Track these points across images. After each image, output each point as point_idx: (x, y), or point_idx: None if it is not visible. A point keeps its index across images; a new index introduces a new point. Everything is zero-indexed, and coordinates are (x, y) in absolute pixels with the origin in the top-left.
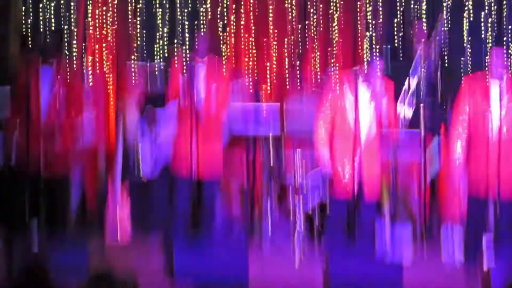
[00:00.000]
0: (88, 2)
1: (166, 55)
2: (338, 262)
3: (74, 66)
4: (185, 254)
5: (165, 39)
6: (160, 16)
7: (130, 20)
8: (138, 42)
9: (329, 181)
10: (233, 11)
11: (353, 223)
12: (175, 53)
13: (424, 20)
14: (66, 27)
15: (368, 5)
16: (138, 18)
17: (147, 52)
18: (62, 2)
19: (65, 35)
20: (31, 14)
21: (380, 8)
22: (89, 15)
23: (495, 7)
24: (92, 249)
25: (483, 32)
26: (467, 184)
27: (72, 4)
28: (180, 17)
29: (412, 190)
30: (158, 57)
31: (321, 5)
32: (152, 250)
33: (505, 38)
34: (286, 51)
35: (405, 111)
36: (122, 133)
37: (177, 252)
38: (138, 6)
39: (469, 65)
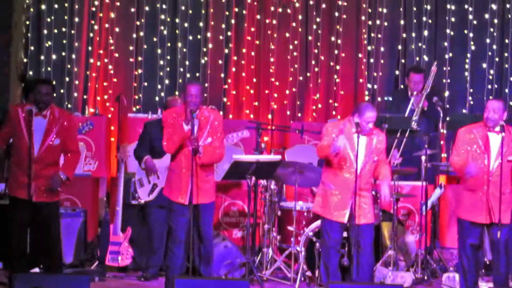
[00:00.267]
0: (89, 55)
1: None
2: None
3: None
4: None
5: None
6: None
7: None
8: (140, 94)
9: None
10: (234, 63)
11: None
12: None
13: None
14: (67, 79)
15: (370, 58)
16: (140, 70)
17: (148, 104)
18: (63, 54)
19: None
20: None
21: (382, 61)
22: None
23: (497, 59)
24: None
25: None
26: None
27: (73, 56)
28: (181, 70)
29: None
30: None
31: (322, 57)
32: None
33: (507, 90)
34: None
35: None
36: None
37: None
38: (140, 58)
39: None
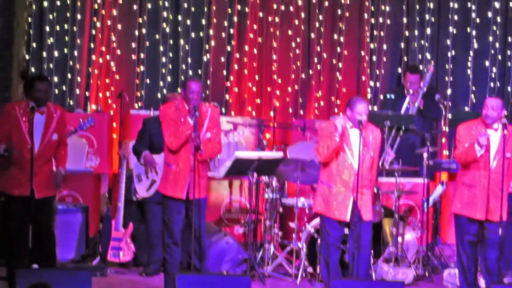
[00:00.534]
0: (91, 52)
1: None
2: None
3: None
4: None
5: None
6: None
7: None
8: (142, 91)
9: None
10: (236, 61)
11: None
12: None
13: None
14: (69, 76)
15: (372, 56)
16: (142, 67)
17: (150, 100)
18: (66, 51)
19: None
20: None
21: (384, 59)
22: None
23: (499, 57)
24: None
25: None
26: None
27: (75, 53)
28: (184, 67)
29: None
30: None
31: (324, 55)
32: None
33: (509, 88)
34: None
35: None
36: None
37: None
38: (142, 55)
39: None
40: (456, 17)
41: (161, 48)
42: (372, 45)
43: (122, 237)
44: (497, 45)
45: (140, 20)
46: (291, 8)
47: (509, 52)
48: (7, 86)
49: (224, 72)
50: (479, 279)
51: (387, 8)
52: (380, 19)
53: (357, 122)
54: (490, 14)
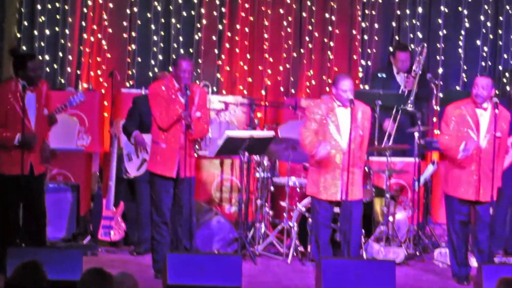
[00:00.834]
0: (83, 30)
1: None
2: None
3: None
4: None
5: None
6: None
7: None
8: (134, 70)
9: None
10: (228, 39)
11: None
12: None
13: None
14: (61, 54)
15: (363, 35)
16: (133, 46)
17: (142, 79)
18: (57, 29)
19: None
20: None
21: (376, 38)
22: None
23: (491, 36)
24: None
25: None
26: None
27: (67, 31)
28: (175, 45)
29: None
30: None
31: (316, 34)
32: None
33: (501, 67)
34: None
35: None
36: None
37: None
38: (133, 34)
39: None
40: None
41: (153, 27)
42: (363, 24)
43: (113, 216)
44: (488, 24)
45: None
46: None
47: (500, 31)
48: None
49: (216, 51)
50: (470, 259)
51: None
52: None
53: (343, 100)
54: None
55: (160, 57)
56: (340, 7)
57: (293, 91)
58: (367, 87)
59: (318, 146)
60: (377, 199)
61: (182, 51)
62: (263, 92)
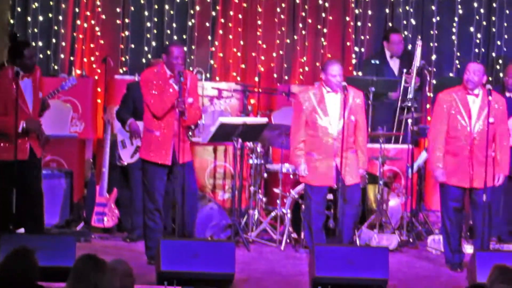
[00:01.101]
0: (76, 17)
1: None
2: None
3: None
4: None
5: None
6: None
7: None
8: (127, 56)
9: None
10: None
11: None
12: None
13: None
14: (54, 40)
15: (357, 21)
16: (127, 32)
17: (135, 66)
18: (50, 16)
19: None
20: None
21: (369, 24)
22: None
23: (484, 23)
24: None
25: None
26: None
27: (60, 18)
28: (168, 32)
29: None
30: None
31: (309, 20)
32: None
33: (494, 54)
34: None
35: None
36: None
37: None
38: (127, 20)
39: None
40: None
41: (146, 13)
42: (357, 11)
43: (106, 202)
44: (481, 10)
45: None
46: None
47: (493, 18)
48: None
49: (209, 37)
50: (464, 246)
51: None
52: None
53: (333, 85)
54: None
55: (154, 43)
56: None
57: (286, 77)
58: (360, 73)
59: (299, 166)
60: (371, 186)
61: (175, 37)
62: (256, 79)
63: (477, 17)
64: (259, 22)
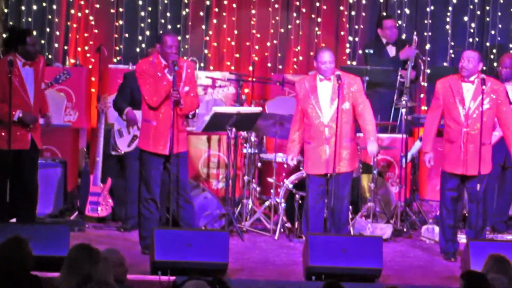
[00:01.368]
0: (70, 6)
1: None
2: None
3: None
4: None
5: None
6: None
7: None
8: (121, 45)
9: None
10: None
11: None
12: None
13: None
14: (48, 29)
15: (351, 10)
16: (121, 21)
17: (129, 55)
18: (44, 5)
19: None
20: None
21: (363, 14)
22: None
23: (478, 12)
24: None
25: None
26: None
27: (54, 7)
28: (162, 21)
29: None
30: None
31: (303, 9)
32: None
33: (488, 44)
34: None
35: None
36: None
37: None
38: (121, 9)
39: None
40: None
41: (140, 2)
42: (351, 0)
43: (100, 192)
44: (475, 0)
45: None
46: None
47: (488, 7)
48: None
49: (203, 27)
50: (459, 236)
51: None
52: None
53: (324, 72)
54: None
55: (148, 32)
56: None
57: (280, 67)
58: (354, 63)
59: (287, 155)
60: (364, 175)
61: (169, 26)
62: (250, 68)
63: (471, 7)
64: (253, 12)
